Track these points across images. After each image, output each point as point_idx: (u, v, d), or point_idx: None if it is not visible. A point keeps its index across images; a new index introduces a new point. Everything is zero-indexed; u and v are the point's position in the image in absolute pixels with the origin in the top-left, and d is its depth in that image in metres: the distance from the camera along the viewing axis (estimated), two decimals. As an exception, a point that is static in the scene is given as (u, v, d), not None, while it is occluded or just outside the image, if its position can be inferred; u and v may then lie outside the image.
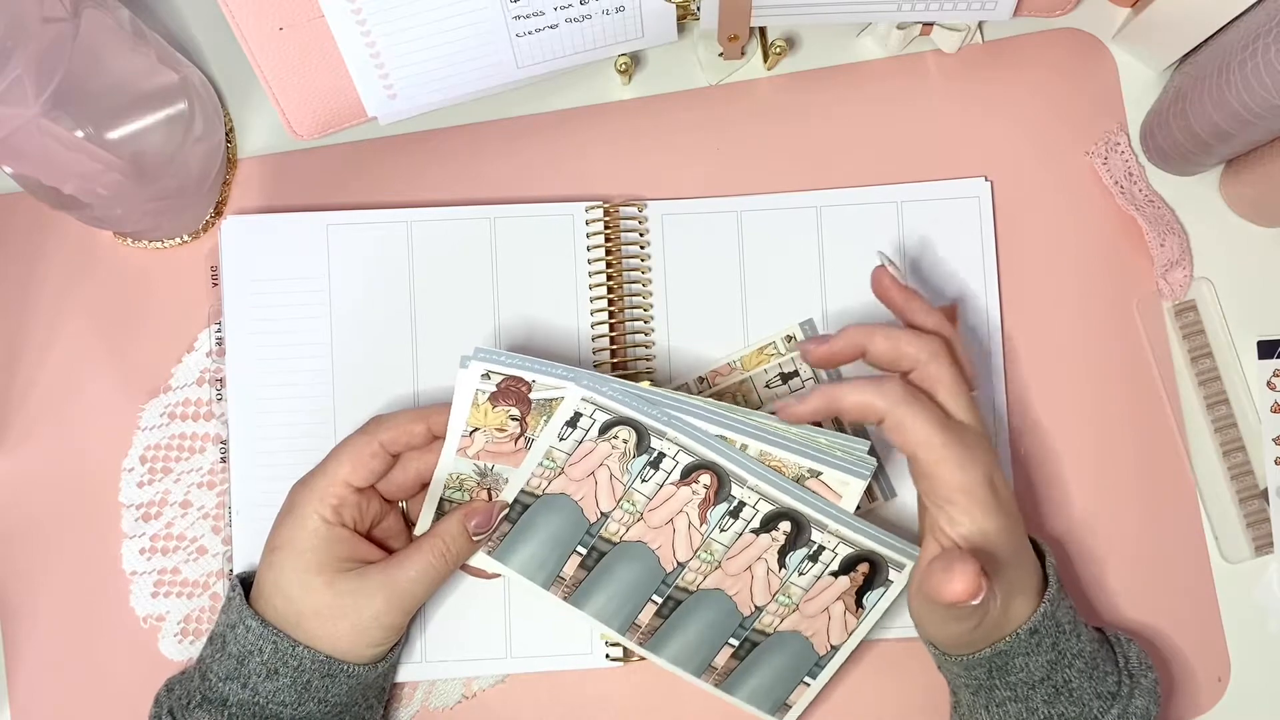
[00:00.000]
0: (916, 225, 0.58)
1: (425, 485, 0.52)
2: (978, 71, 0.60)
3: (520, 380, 0.51)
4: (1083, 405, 0.58)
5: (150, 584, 0.57)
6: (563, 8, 0.53)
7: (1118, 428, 0.58)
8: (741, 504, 0.50)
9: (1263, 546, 0.57)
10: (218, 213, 0.59)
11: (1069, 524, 0.57)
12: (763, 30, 0.58)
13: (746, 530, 0.50)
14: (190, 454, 0.58)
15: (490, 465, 0.52)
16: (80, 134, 0.48)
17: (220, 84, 0.60)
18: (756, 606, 0.51)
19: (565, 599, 0.52)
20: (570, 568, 0.52)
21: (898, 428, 0.47)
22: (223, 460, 0.57)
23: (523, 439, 0.51)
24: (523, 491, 0.51)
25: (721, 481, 0.50)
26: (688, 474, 0.50)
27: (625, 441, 0.50)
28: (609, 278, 0.57)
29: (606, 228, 0.57)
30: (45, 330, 0.58)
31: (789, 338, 0.57)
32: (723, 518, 0.50)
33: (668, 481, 0.50)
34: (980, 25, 0.59)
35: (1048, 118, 0.59)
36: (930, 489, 0.47)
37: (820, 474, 0.50)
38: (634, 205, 0.58)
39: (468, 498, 0.52)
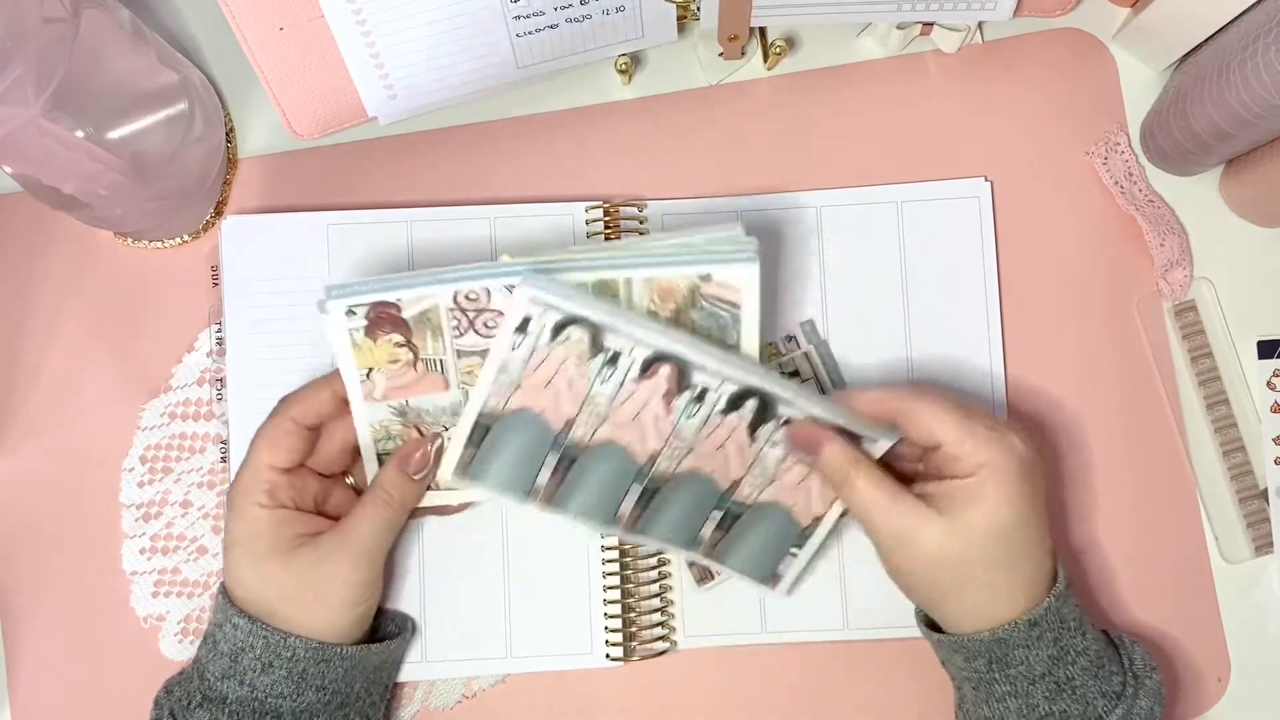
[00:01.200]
0: (916, 225, 0.58)
1: (358, 450, 0.52)
2: (978, 71, 0.60)
3: (386, 304, 0.49)
4: (1083, 405, 0.58)
5: (150, 584, 0.57)
6: (563, 8, 0.53)
7: (1118, 428, 0.58)
8: (705, 389, 0.49)
9: (1263, 546, 0.57)
10: (218, 213, 0.59)
11: (1069, 524, 0.57)
12: (763, 30, 0.58)
13: (714, 413, 0.50)
14: (190, 454, 0.58)
15: (405, 401, 0.51)
16: (80, 134, 0.48)
17: (220, 84, 0.60)
18: (734, 480, 0.51)
19: (545, 506, 0.51)
20: (544, 477, 0.51)
21: (912, 421, 0.48)
22: (223, 460, 0.57)
23: (420, 363, 0.50)
24: (481, 414, 0.50)
25: (683, 371, 0.49)
26: (646, 368, 0.49)
27: (579, 342, 0.48)
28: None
29: (606, 228, 0.57)
30: (45, 330, 0.58)
31: (789, 338, 0.57)
32: (688, 405, 0.49)
33: (628, 378, 0.49)
34: (980, 25, 0.59)
35: (1048, 118, 0.59)
36: (955, 468, 0.47)
37: (710, 276, 0.49)
38: (634, 205, 0.58)
39: (400, 442, 0.52)
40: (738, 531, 0.52)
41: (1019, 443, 0.48)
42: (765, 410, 0.50)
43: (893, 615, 0.56)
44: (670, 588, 0.56)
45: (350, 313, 0.49)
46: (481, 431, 0.50)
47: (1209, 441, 0.58)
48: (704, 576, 0.56)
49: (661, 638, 0.56)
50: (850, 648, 0.56)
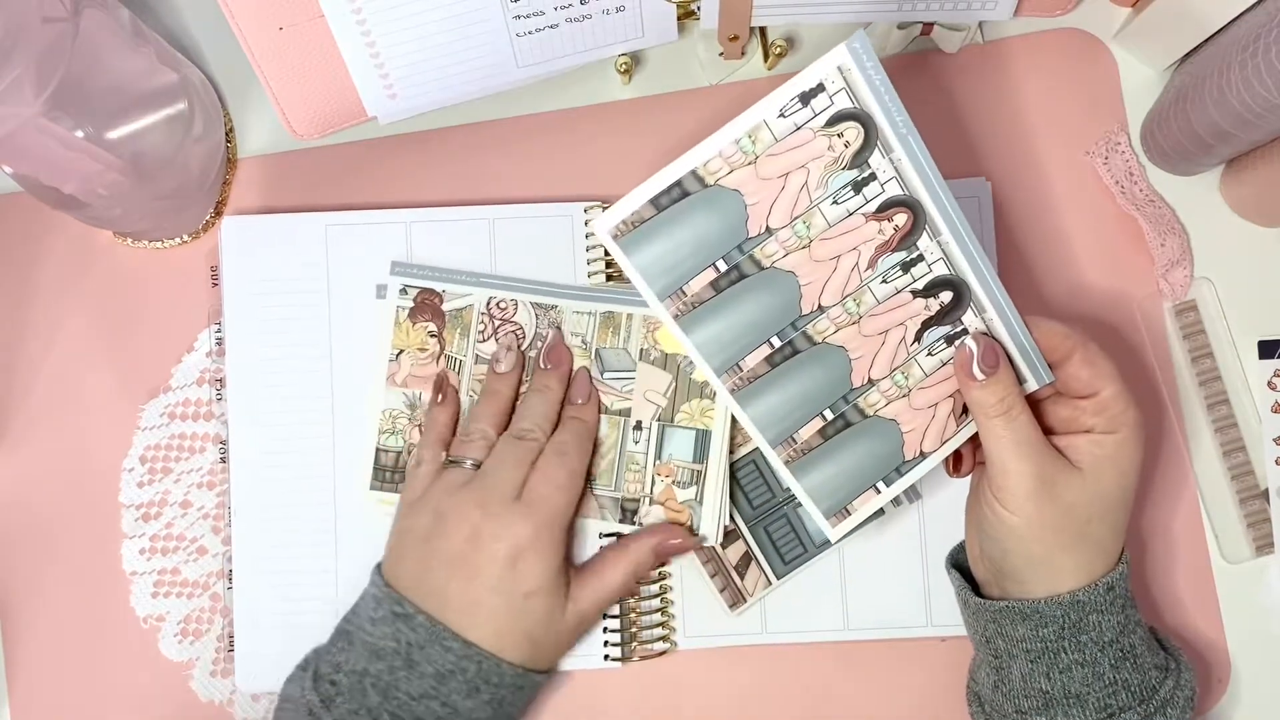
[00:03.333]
0: (917, 225, 0.58)
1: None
2: (978, 71, 0.60)
3: (431, 292, 0.52)
4: (1083, 405, 0.58)
5: (150, 584, 0.57)
6: (563, 8, 0.53)
7: (1118, 428, 0.58)
8: (920, 258, 0.45)
9: (1263, 547, 0.57)
10: (218, 213, 0.59)
11: (1069, 524, 0.57)
12: (763, 30, 0.58)
13: (907, 289, 0.46)
14: (190, 454, 0.58)
15: (418, 394, 0.53)
16: (80, 134, 0.48)
17: (220, 84, 0.60)
18: (871, 379, 0.47)
19: (681, 312, 0.46)
20: (699, 282, 0.45)
21: (1088, 362, 0.48)
22: (223, 460, 0.57)
23: (443, 357, 0.52)
24: (692, 172, 0.44)
25: (914, 228, 0.45)
26: (885, 208, 0.45)
27: (848, 145, 0.44)
28: (608, 278, 0.57)
29: (607, 228, 0.57)
30: (45, 330, 0.58)
31: None
32: (892, 268, 0.46)
33: (859, 210, 0.45)
34: (980, 25, 0.59)
35: (1048, 118, 0.59)
36: (1098, 422, 0.48)
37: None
38: (634, 205, 0.58)
39: (401, 442, 0.54)
40: (837, 443, 0.48)
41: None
42: (952, 311, 0.47)
43: (893, 615, 0.56)
44: (670, 588, 0.56)
45: (403, 291, 0.52)
46: (678, 192, 0.45)
47: (1209, 441, 0.58)
48: (736, 600, 0.56)
49: (662, 638, 0.56)
50: (850, 648, 0.56)
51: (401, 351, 0.55)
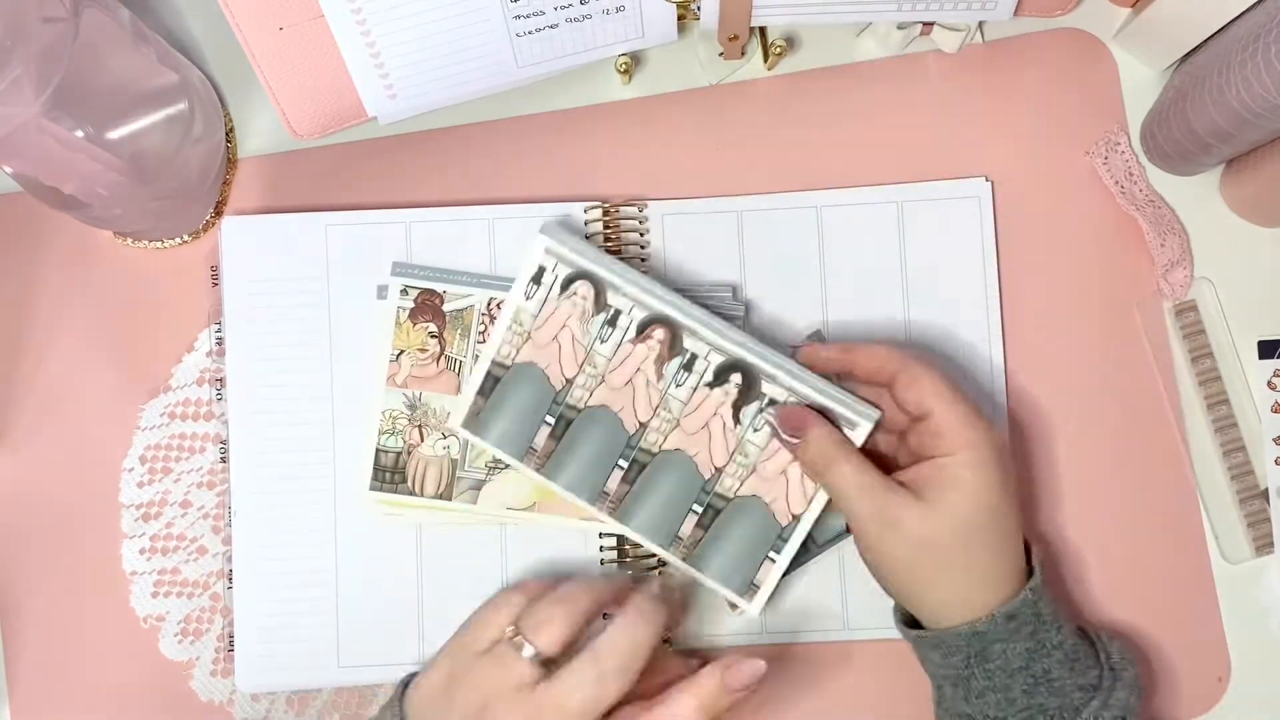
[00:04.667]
0: (916, 225, 0.58)
1: None
2: (978, 71, 0.60)
3: (433, 293, 0.54)
4: (1083, 405, 0.58)
5: (150, 584, 0.57)
6: (563, 8, 0.53)
7: (1118, 428, 0.58)
8: (694, 356, 0.52)
9: (1263, 546, 0.57)
10: (218, 213, 0.59)
11: (1069, 523, 0.57)
12: (763, 30, 0.58)
13: (700, 384, 0.52)
14: (190, 454, 0.58)
15: (419, 394, 0.54)
16: (80, 134, 0.48)
17: (220, 84, 0.60)
18: (716, 468, 0.52)
19: (540, 469, 0.53)
20: (542, 437, 0.53)
21: (912, 383, 0.48)
22: (223, 460, 0.57)
23: (443, 358, 0.53)
24: (494, 363, 0.53)
25: (674, 335, 0.52)
26: (642, 329, 0.52)
27: (584, 299, 0.52)
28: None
29: (606, 228, 0.57)
30: (45, 330, 0.58)
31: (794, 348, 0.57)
32: (677, 372, 0.52)
33: (625, 339, 0.52)
34: (980, 25, 0.59)
35: (1048, 118, 0.59)
36: (936, 445, 0.48)
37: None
38: (634, 205, 0.58)
39: (401, 443, 0.54)
40: (716, 529, 0.53)
41: (995, 429, 0.49)
42: (750, 389, 0.51)
43: (892, 615, 0.56)
44: (670, 588, 0.56)
45: (404, 291, 0.54)
46: (492, 382, 0.53)
47: (1209, 442, 0.58)
48: (734, 604, 0.56)
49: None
50: (850, 648, 0.56)
51: (402, 352, 0.55)
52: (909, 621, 0.52)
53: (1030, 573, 0.49)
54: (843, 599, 0.56)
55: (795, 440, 0.50)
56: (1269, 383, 0.58)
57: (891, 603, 0.53)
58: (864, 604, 0.56)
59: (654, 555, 0.56)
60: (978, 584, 0.48)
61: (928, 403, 0.48)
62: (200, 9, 0.60)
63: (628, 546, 0.56)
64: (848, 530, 0.52)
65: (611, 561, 0.56)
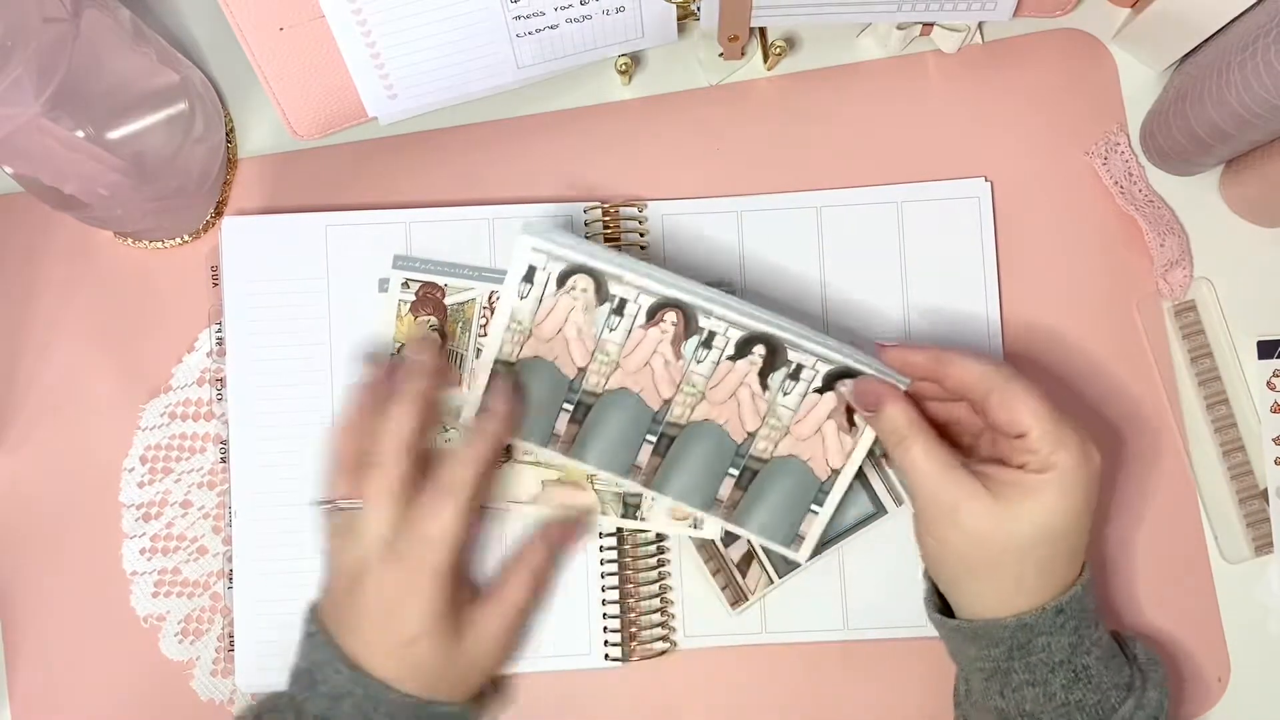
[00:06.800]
0: (916, 225, 0.58)
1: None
2: (978, 72, 0.60)
3: (434, 286, 0.53)
4: (1083, 405, 0.58)
5: (150, 584, 0.57)
6: (563, 8, 0.53)
7: (1118, 428, 0.58)
8: (711, 334, 0.50)
9: (1263, 546, 0.57)
10: (218, 213, 0.59)
11: (1069, 524, 0.57)
12: (763, 30, 0.58)
13: (723, 358, 0.51)
14: (190, 454, 0.58)
15: None
16: (80, 134, 0.48)
17: (220, 84, 0.60)
18: (749, 433, 0.52)
19: (567, 451, 0.52)
20: (562, 424, 0.52)
21: (1005, 404, 0.47)
22: (223, 460, 0.57)
23: (444, 351, 0.53)
24: (497, 360, 0.51)
25: (688, 316, 0.50)
26: (653, 315, 0.50)
27: (585, 291, 0.50)
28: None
29: (606, 228, 0.57)
30: (45, 330, 0.58)
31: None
32: (696, 350, 0.51)
33: (635, 325, 0.50)
34: (980, 25, 0.59)
35: (1048, 118, 0.59)
36: (1028, 460, 0.47)
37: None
38: (634, 205, 0.58)
39: None
40: (756, 489, 0.52)
41: (1095, 454, 0.48)
42: (774, 356, 0.50)
43: (893, 615, 0.56)
44: (670, 588, 0.56)
45: (405, 285, 0.53)
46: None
47: (1209, 441, 0.58)
48: (738, 599, 0.56)
49: (662, 638, 0.56)
50: (850, 648, 0.56)
51: (403, 345, 0.55)
52: (941, 610, 0.51)
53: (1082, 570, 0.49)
54: (843, 599, 0.56)
55: (870, 414, 0.50)
56: (1268, 383, 0.58)
57: (891, 601, 0.53)
58: (864, 604, 0.56)
59: (655, 544, 0.56)
60: (1024, 590, 0.47)
61: (1025, 423, 0.47)
62: (200, 9, 0.60)
63: (626, 546, 0.56)
64: (861, 523, 0.52)
65: (612, 561, 0.56)
